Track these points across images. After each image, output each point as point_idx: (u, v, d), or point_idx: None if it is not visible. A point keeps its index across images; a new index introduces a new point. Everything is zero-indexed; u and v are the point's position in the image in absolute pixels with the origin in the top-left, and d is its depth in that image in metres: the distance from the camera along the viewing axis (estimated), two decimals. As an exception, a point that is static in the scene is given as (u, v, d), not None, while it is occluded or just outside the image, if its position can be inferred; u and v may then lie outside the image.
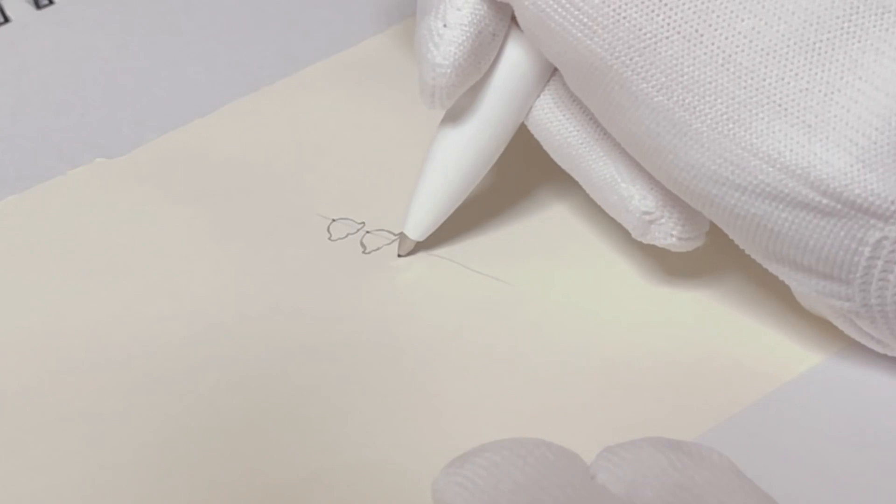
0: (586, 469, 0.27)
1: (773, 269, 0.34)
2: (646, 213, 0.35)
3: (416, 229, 0.38)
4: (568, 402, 0.35)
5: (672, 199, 0.35)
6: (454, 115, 0.37)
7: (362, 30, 0.46)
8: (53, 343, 0.37)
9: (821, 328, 0.35)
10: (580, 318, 0.37)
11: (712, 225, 0.35)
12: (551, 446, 0.28)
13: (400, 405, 0.35)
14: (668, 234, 0.35)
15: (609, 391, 0.35)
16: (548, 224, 0.40)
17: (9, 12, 0.48)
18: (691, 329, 0.36)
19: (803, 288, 0.33)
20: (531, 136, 0.37)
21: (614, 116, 0.33)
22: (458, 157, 0.37)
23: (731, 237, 0.34)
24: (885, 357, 0.35)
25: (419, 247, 0.38)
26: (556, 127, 0.36)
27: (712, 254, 0.37)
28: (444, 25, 0.35)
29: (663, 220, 0.35)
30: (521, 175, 0.40)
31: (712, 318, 0.37)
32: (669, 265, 0.38)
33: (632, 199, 0.35)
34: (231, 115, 0.44)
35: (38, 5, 0.48)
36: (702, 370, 0.35)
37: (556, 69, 0.36)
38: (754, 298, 0.37)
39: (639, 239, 0.36)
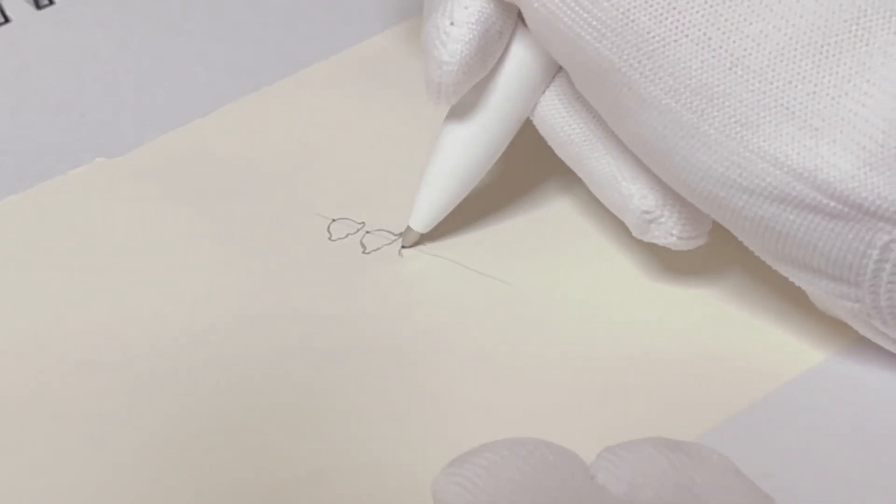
0: (586, 469, 0.27)
1: (783, 270, 0.33)
2: (646, 211, 0.35)
3: (421, 221, 0.38)
4: (568, 402, 0.35)
5: (673, 199, 0.35)
6: (460, 111, 0.37)
7: (362, 30, 0.46)
8: (53, 343, 0.37)
9: (822, 327, 0.35)
10: (581, 317, 0.37)
11: (714, 223, 0.35)
12: (551, 446, 0.28)
13: (400, 405, 0.35)
14: (668, 233, 0.35)
15: (609, 391, 0.35)
16: (551, 220, 0.40)
17: (9, 12, 0.48)
18: (692, 328, 0.36)
19: (813, 289, 0.33)
20: (537, 131, 0.37)
21: (622, 119, 0.33)
22: (463, 151, 0.37)
23: (740, 239, 0.34)
24: (885, 356, 0.35)
25: (424, 238, 0.39)
26: (560, 124, 0.36)
27: (714, 252, 0.37)
28: (452, 23, 0.35)
29: (663, 220, 0.35)
30: (525, 170, 0.40)
31: (713, 317, 0.37)
32: (671, 263, 0.38)
33: (632, 197, 0.35)
34: (231, 115, 0.44)
35: (38, 5, 0.48)
36: (702, 370, 0.35)
37: (561, 66, 0.36)
38: (756, 297, 0.37)
39: (639, 237, 0.36)
